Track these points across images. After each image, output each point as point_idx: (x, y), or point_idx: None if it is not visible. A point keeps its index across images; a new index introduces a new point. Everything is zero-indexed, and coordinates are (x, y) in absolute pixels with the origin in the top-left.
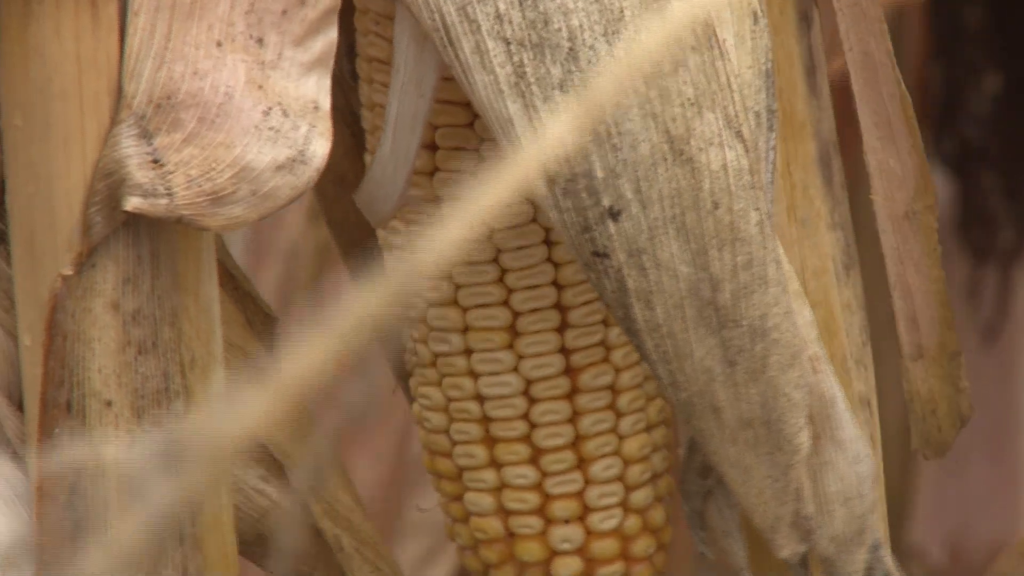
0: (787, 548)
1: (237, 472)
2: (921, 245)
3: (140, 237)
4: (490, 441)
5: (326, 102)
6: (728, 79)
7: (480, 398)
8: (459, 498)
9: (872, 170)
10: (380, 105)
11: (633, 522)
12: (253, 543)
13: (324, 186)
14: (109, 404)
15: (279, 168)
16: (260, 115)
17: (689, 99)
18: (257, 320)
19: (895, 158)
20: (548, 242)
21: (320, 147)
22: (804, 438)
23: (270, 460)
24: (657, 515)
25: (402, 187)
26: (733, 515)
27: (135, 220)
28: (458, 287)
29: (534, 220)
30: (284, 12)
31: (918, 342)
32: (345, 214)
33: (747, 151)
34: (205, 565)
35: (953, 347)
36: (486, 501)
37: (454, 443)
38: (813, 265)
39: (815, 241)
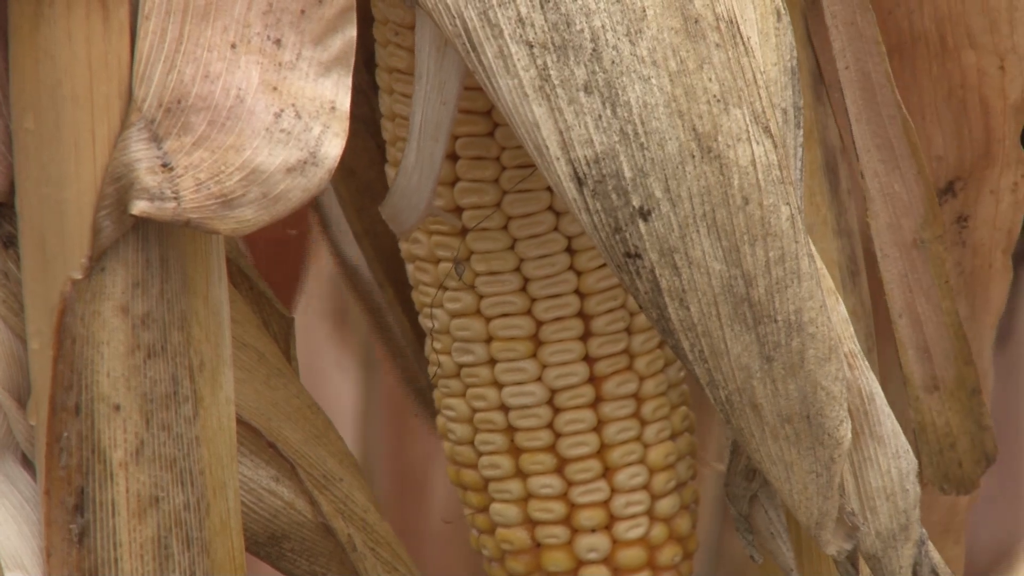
0: (833, 545)
1: (247, 472)
2: (931, 274)
3: (149, 241)
4: (515, 451)
5: (344, 102)
6: (754, 75)
7: (504, 408)
8: (485, 510)
9: (873, 194)
10: (401, 116)
11: (659, 531)
12: (265, 543)
13: (350, 196)
14: (117, 408)
15: (290, 170)
16: (272, 117)
17: (715, 96)
18: (273, 321)
19: (900, 183)
20: (570, 250)
21: (333, 148)
22: (845, 431)
23: (281, 460)
24: (683, 523)
25: (428, 197)
26: (779, 516)
27: (145, 224)
28: (481, 297)
29: (556, 229)
30: (303, 12)
31: (931, 373)
32: (371, 224)
33: (775, 146)
34: (213, 568)
35: (972, 383)
36: (512, 512)
37: (479, 454)
38: None
39: (821, 247)
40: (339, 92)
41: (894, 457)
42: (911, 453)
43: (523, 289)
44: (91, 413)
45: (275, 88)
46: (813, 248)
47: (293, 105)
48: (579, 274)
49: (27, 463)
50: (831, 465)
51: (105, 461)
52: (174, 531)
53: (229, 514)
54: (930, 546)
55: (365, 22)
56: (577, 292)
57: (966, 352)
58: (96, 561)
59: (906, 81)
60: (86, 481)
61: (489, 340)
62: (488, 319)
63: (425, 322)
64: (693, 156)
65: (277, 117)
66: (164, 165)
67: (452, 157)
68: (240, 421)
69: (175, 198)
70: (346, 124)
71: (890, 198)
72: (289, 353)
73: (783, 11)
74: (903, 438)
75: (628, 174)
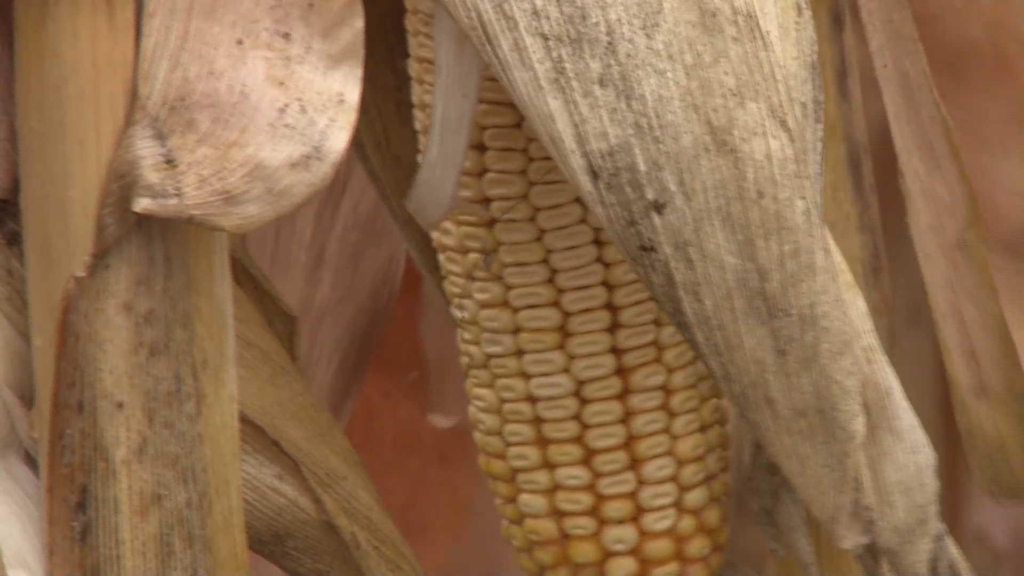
0: (848, 539)
1: (251, 471)
2: (975, 277)
3: (153, 238)
4: (543, 442)
5: (354, 94)
6: (772, 69)
7: (532, 399)
8: (513, 500)
9: (914, 195)
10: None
11: (687, 523)
12: (269, 541)
13: (395, 184)
14: (120, 405)
15: (294, 165)
16: (276, 112)
17: (731, 89)
18: (276, 319)
19: (941, 184)
20: (598, 242)
21: (338, 142)
22: (859, 425)
23: (285, 459)
24: (712, 515)
25: (452, 190)
26: (798, 510)
27: (148, 221)
28: (508, 288)
29: (583, 221)
30: (311, 5)
31: (979, 379)
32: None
33: (792, 140)
34: (215, 566)
35: (1021, 386)
36: (539, 503)
37: (507, 444)
38: None
39: (844, 243)
40: (348, 84)
41: (911, 452)
42: (929, 448)
43: (550, 280)
44: (94, 410)
45: (281, 83)
46: (831, 241)
47: (299, 99)
48: (607, 266)
49: (30, 460)
50: (844, 459)
51: (108, 458)
52: (176, 529)
53: (232, 512)
54: (948, 541)
55: (398, 13)
56: (605, 284)
57: (1013, 355)
58: (98, 559)
59: (962, 102)
60: (89, 478)
61: (517, 331)
62: (516, 310)
63: (455, 312)
64: (708, 149)
65: (281, 112)
66: (168, 162)
67: (480, 148)
68: (244, 419)
69: (177, 195)
70: (353, 117)
71: (932, 199)
72: (293, 352)
73: (804, 6)
74: (921, 433)
75: (643, 167)
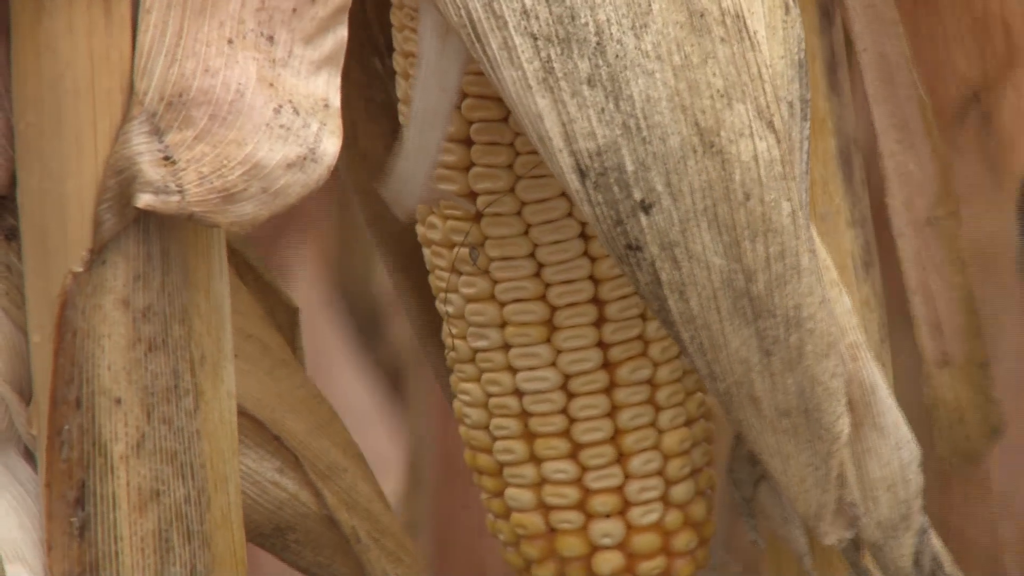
0: (832, 535)
1: (252, 464)
2: (944, 251)
3: (151, 234)
4: (529, 436)
5: (336, 100)
6: (759, 70)
7: (519, 393)
8: (500, 494)
9: (889, 173)
10: None
11: (674, 516)
12: (270, 535)
13: (360, 181)
14: (119, 401)
15: (290, 166)
16: (271, 113)
17: (719, 91)
18: (278, 311)
19: (915, 162)
20: (584, 236)
21: (331, 145)
22: (843, 426)
23: (285, 452)
24: (698, 509)
25: (425, 181)
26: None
27: (146, 217)
28: (495, 282)
29: (570, 215)
30: (294, 10)
31: (943, 349)
32: (382, 209)
33: (779, 141)
34: (213, 561)
35: (981, 356)
36: (526, 497)
37: (494, 439)
38: (832, 261)
39: (834, 238)
40: (330, 90)
41: (895, 448)
42: (913, 443)
43: (537, 274)
44: (92, 406)
45: (272, 84)
46: (817, 241)
47: (290, 101)
48: (593, 260)
49: (29, 456)
50: (828, 459)
51: (106, 454)
52: (175, 524)
53: (230, 508)
54: (932, 535)
55: (382, 6)
56: (591, 278)
57: (976, 326)
58: (97, 554)
59: (931, 21)
60: (87, 474)
61: (503, 325)
62: (502, 304)
63: (441, 307)
64: (695, 151)
65: (276, 112)
66: (166, 158)
67: (466, 142)
68: (244, 413)
69: (179, 191)
70: (340, 122)
71: (905, 177)
72: (295, 344)
73: (792, 3)
74: (905, 429)
75: (630, 167)
